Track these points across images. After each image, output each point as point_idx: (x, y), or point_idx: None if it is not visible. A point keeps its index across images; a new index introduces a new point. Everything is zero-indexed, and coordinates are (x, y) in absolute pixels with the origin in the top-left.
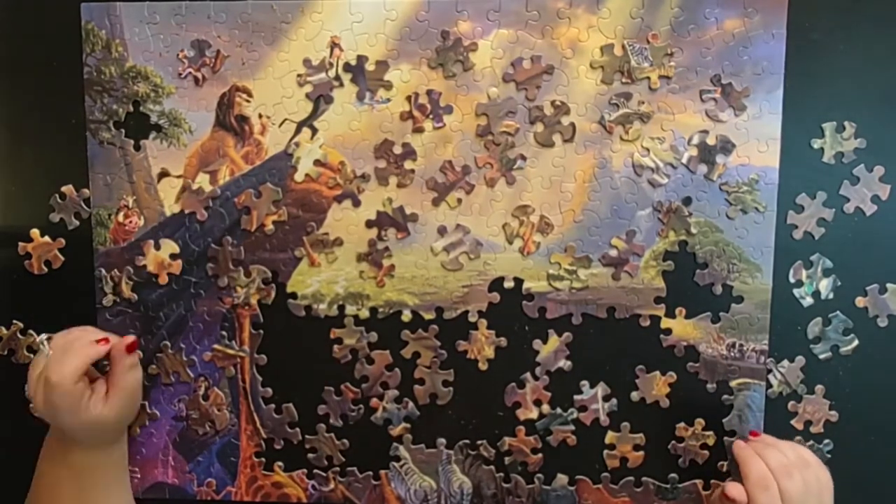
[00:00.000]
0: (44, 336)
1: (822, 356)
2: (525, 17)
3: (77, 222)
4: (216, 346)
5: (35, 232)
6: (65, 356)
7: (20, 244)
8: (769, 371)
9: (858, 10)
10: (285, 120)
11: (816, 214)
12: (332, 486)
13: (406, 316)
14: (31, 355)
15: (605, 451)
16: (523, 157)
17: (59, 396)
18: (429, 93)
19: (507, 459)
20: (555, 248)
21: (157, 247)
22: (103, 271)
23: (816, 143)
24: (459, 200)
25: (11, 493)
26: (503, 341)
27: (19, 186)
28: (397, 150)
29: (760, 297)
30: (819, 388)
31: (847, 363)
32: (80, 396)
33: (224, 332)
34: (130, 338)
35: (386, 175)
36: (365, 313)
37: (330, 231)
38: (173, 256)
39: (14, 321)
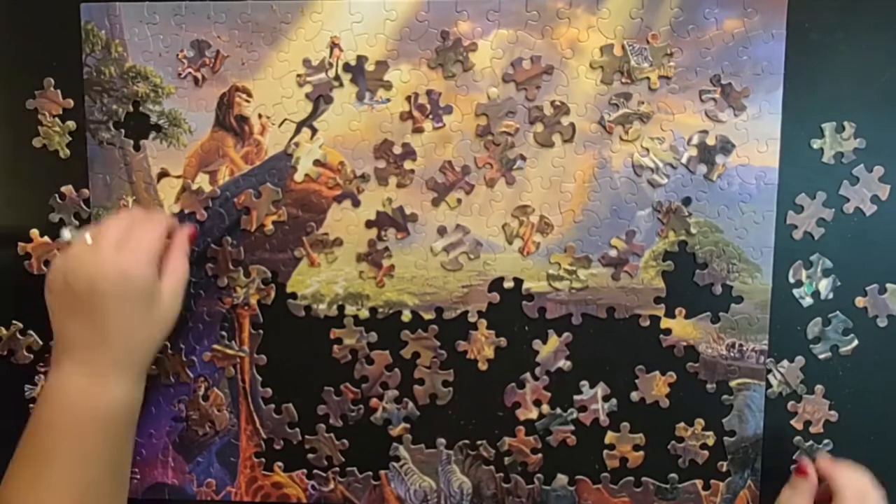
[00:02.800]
0: (67, 230)
1: (821, 356)
2: (525, 17)
3: (77, 222)
4: (216, 346)
5: (35, 232)
6: (133, 242)
7: (20, 244)
8: (769, 371)
9: (858, 10)
10: (285, 120)
11: (816, 214)
12: (331, 486)
13: (406, 316)
14: (31, 355)
15: (605, 452)
16: (523, 158)
17: (134, 289)
18: (428, 93)
19: (506, 459)
20: (554, 249)
21: None
22: None
23: (816, 144)
24: (459, 200)
25: None
26: (503, 341)
27: (19, 186)
28: (397, 150)
29: (760, 297)
30: (819, 388)
31: (847, 363)
32: (153, 286)
33: (224, 333)
34: (190, 226)
35: (386, 175)
36: (364, 313)
37: (330, 231)
38: None
39: (14, 321)
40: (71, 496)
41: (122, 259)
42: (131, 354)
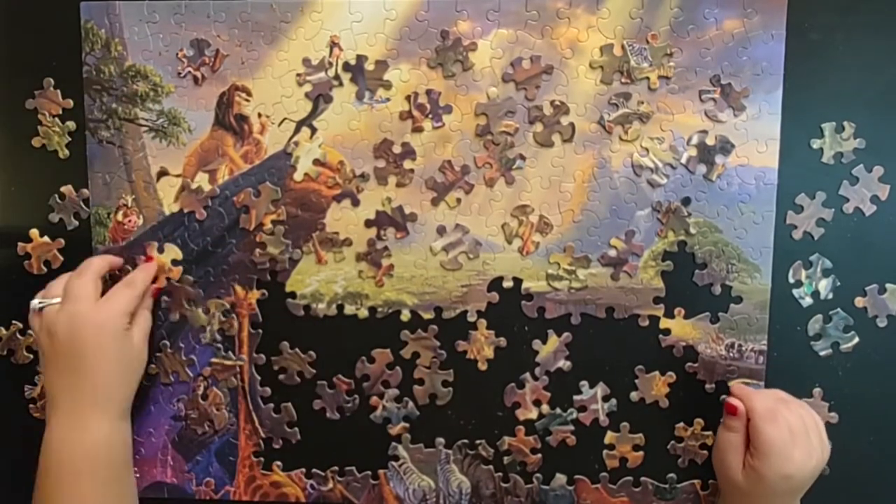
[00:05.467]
0: (35, 300)
1: (822, 353)
2: (524, 17)
3: (76, 222)
4: (213, 359)
5: (34, 232)
6: (109, 296)
7: (20, 244)
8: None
9: (858, 10)
10: (284, 119)
11: (816, 215)
12: (330, 485)
13: (405, 316)
14: (31, 355)
15: (605, 452)
16: (522, 157)
17: (109, 336)
18: (428, 92)
19: (505, 459)
20: (554, 248)
21: (161, 250)
22: None
23: (816, 144)
24: (459, 200)
25: (12, 494)
26: (502, 341)
27: (19, 186)
28: (396, 149)
29: (759, 297)
30: (817, 390)
31: (847, 363)
32: (125, 334)
33: (219, 346)
34: (152, 266)
35: (385, 174)
36: (364, 313)
37: (329, 230)
38: (175, 262)
39: (14, 321)
40: None
41: (99, 312)
42: (109, 395)
